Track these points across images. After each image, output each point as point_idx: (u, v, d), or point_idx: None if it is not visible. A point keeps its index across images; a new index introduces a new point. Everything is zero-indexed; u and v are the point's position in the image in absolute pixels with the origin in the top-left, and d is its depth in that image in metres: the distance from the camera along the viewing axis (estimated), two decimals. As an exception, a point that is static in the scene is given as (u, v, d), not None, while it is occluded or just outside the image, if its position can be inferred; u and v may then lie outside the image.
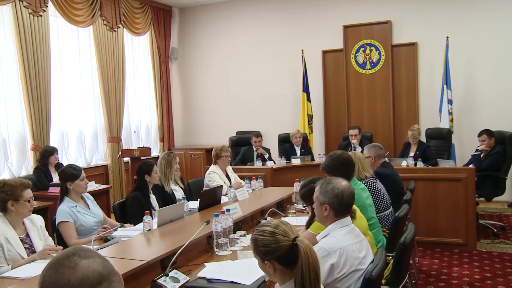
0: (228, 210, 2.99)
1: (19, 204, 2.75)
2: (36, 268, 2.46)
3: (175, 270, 2.33)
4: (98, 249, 2.62)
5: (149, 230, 3.01)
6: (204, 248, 2.85)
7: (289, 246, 1.60)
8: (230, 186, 4.19)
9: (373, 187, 3.53)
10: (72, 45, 6.73)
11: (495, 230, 5.28)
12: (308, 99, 7.66)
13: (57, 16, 6.39)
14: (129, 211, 3.65)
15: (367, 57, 7.56)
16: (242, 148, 6.80)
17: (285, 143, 6.88)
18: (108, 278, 1.01)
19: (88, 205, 3.42)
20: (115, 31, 7.32)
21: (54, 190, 4.83)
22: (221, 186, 4.08)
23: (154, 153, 8.19)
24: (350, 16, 7.61)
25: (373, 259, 2.14)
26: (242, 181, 4.64)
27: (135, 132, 7.97)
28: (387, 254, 2.59)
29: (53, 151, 5.48)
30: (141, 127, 8.27)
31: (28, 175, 5.55)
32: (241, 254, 2.65)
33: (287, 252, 1.60)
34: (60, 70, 6.53)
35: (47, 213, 4.41)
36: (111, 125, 7.25)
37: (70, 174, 3.30)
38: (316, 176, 2.83)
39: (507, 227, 5.50)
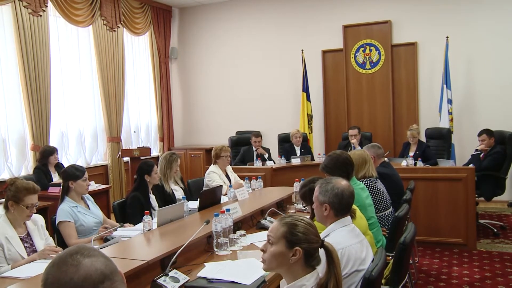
0: (228, 210, 2.99)
1: (18, 207, 2.75)
2: (36, 268, 2.45)
3: (175, 270, 2.32)
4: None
5: (149, 230, 3.01)
6: (204, 248, 2.85)
7: (319, 245, 1.65)
8: (230, 186, 4.19)
9: (374, 187, 3.53)
10: (72, 45, 6.73)
11: (495, 230, 5.29)
12: (308, 99, 7.66)
13: (57, 16, 6.39)
14: (129, 211, 3.64)
15: (367, 57, 7.56)
16: (242, 148, 6.80)
17: (285, 143, 6.88)
18: (110, 277, 1.01)
19: (88, 205, 3.43)
20: (115, 31, 7.31)
21: (54, 190, 4.84)
22: (221, 186, 4.07)
23: (154, 153, 8.19)
24: (350, 16, 7.60)
25: (373, 259, 2.14)
26: (242, 181, 4.64)
27: (135, 132, 7.97)
28: (387, 254, 2.58)
29: (53, 151, 5.48)
30: (141, 127, 8.27)
31: (28, 175, 5.54)
32: (241, 254, 2.65)
33: (316, 249, 1.65)
34: (60, 70, 6.52)
35: (47, 213, 4.41)
36: (111, 125, 7.25)
37: (72, 173, 3.31)
38: (316, 176, 2.83)
39: (507, 227, 5.50)
